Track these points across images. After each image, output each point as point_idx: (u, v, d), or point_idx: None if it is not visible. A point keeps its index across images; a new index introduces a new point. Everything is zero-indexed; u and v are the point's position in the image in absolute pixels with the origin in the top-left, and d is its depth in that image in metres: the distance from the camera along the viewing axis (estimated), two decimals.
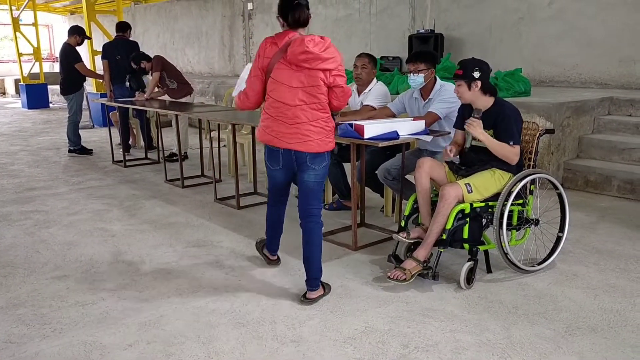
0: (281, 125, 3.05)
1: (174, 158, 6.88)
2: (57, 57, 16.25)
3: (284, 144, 3.07)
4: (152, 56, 7.22)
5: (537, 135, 3.54)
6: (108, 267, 3.70)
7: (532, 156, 3.56)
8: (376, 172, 4.33)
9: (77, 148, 7.78)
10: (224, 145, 6.84)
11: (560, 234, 3.64)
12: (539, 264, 3.56)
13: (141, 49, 7.87)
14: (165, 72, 7.05)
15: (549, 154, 5.52)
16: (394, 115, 4.34)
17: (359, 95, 4.71)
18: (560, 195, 3.62)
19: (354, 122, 3.76)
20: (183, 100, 7.16)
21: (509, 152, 3.33)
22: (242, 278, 3.50)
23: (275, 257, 3.70)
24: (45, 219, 4.79)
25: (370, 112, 4.39)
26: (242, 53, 12.97)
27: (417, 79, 4.07)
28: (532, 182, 3.48)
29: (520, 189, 3.34)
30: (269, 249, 3.67)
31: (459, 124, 3.60)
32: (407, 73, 4.15)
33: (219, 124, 6.13)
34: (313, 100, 3.02)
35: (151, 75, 7.15)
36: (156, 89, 7.18)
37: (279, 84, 3.02)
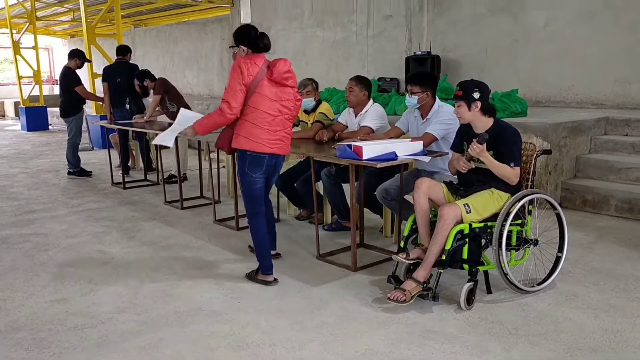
0: (265, 132, 3.53)
1: (174, 179, 6.91)
2: (57, 80, 16.38)
3: (268, 149, 3.56)
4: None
5: (535, 155, 3.56)
6: (107, 290, 3.69)
7: (530, 176, 3.58)
8: (375, 192, 4.35)
9: (77, 170, 7.80)
10: (223, 167, 6.86)
11: (560, 254, 3.65)
12: (539, 284, 3.55)
13: None
14: (166, 95, 7.09)
15: (547, 173, 5.54)
16: (403, 133, 4.42)
17: (355, 117, 4.77)
18: (558, 215, 3.63)
19: (352, 143, 3.78)
20: None
21: (510, 173, 3.36)
22: (242, 300, 3.49)
23: (272, 274, 3.75)
24: (44, 241, 4.78)
25: (379, 135, 4.45)
26: None
27: (411, 101, 4.21)
28: (531, 202, 3.50)
29: (518, 209, 3.35)
30: (264, 271, 3.72)
31: (457, 146, 3.63)
32: (405, 92, 4.25)
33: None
34: (286, 112, 3.62)
35: (152, 97, 7.19)
36: (153, 115, 7.21)
37: (263, 97, 3.51)
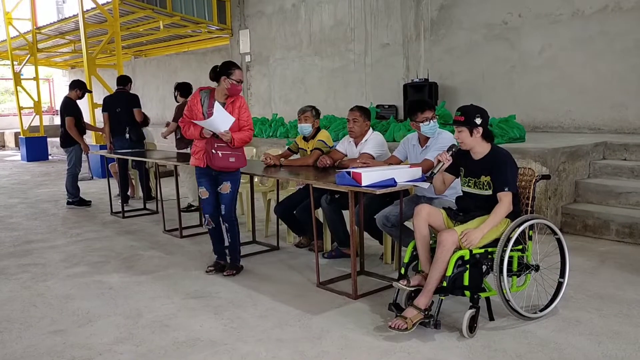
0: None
1: (192, 209, 7.07)
2: (57, 110, 16.48)
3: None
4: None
5: (534, 180, 3.57)
6: (105, 321, 3.65)
7: (530, 202, 3.57)
8: (375, 218, 4.34)
9: (76, 200, 7.79)
10: None
11: (561, 280, 3.62)
12: (541, 310, 3.52)
13: (141, 102, 8.00)
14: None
15: (547, 199, 5.54)
16: (400, 162, 4.41)
17: (356, 146, 4.79)
18: (559, 241, 3.61)
19: (351, 170, 3.79)
20: (185, 150, 7.25)
21: (505, 209, 3.33)
22: (241, 330, 3.45)
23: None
24: (42, 272, 4.75)
25: (379, 162, 4.45)
26: None
27: (434, 126, 4.18)
28: (531, 227, 3.48)
29: (519, 235, 3.34)
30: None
31: (453, 169, 3.61)
32: (418, 122, 4.18)
33: None
34: None
35: (172, 120, 7.18)
36: (165, 134, 7.30)
37: None
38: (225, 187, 4.42)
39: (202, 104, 4.33)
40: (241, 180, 6.29)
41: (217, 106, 4.17)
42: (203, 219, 4.83)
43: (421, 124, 4.17)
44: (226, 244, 4.58)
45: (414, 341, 3.20)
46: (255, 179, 5.88)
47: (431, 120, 4.15)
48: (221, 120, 4.18)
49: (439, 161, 3.50)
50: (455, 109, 3.55)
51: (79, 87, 7.79)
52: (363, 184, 3.64)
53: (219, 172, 4.40)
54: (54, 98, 23.39)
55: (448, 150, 3.50)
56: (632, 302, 3.73)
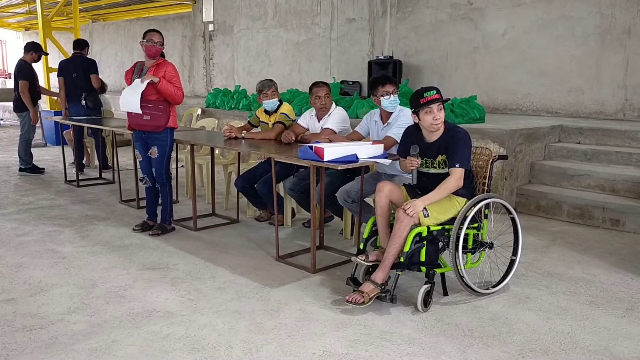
0: None
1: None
2: (9, 74, 15.81)
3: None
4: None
5: (491, 160, 3.64)
6: (58, 290, 3.57)
7: (487, 181, 3.64)
8: (336, 194, 4.35)
9: (29, 167, 7.54)
10: (182, 166, 6.75)
11: (514, 258, 3.73)
12: (494, 286, 3.62)
13: (99, 67, 7.75)
14: None
15: (503, 179, 5.67)
16: (363, 138, 4.41)
17: (318, 121, 4.77)
18: (513, 220, 3.71)
19: (314, 145, 3.78)
20: None
21: (454, 184, 3.37)
22: (198, 302, 3.43)
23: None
24: None
25: (341, 137, 4.42)
26: (203, 74, 12.92)
27: (395, 100, 4.16)
28: (487, 206, 3.56)
29: (475, 213, 3.41)
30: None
31: (407, 150, 3.59)
32: (379, 96, 4.16)
33: (177, 145, 6.05)
34: None
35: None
36: None
37: None
38: (154, 152, 4.73)
39: (134, 74, 4.64)
40: (201, 152, 6.26)
41: (136, 81, 4.49)
42: (139, 179, 5.13)
43: (382, 98, 4.16)
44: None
45: (370, 314, 3.25)
46: (217, 151, 5.81)
47: (392, 95, 4.14)
48: (134, 87, 4.47)
49: (413, 169, 3.50)
50: (426, 88, 3.50)
51: (34, 50, 7.49)
52: (325, 159, 3.64)
53: (147, 136, 4.70)
54: (7, 61, 22.43)
55: (413, 155, 3.48)
56: (580, 280, 3.87)
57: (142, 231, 4.83)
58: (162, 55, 4.66)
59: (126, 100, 4.49)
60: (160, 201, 4.92)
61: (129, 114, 4.63)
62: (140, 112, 4.46)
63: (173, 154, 6.19)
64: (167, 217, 4.89)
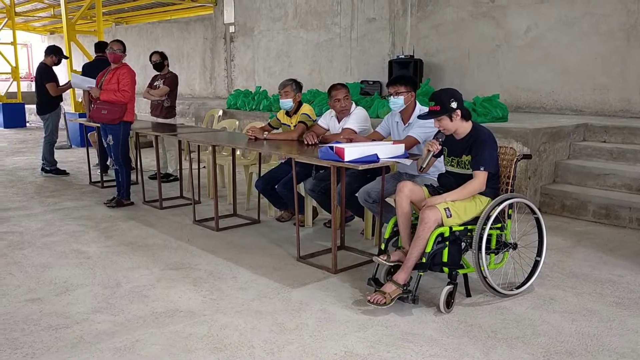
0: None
1: (170, 178, 7.13)
2: (34, 77, 16.08)
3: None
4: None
5: (515, 160, 3.58)
6: (83, 290, 3.62)
7: (510, 181, 3.59)
8: (356, 194, 4.34)
9: (53, 168, 7.67)
10: (204, 167, 6.80)
11: (538, 258, 3.67)
12: (517, 287, 3.58)
13: None
14: (172, 92, 7.26)
15: (527, 178, 5.59)
16: (384, 138, 4.39)
17: (339, 122, 4.77)
18: (537, 220, 3.66)
19: (334, 145, 3.77)
20: (166, 121, 7.20)
21: (477, 187, 3.35)
22: (220, 301, 3.45)
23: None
24: (19, 240, 4.69)
25: (361, 137, 4.42)
26: (224, 75, 13.00)
27: (397, 101, 4.14)
28: (510, 206, 3.52)
29: (498, 213, 3.37)
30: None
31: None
32: (388, 96, 4.20)
33: (199, 145, 6.11)
34: None
35: (163, 84, 7.24)
36: (152, 96, 7.25)
37: None
38: (109, 139, 5.70)
39: (104, 76, 5.76)
40: (223, 152, 6.30)
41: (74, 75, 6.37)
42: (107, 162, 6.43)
43: (390, 97, 4.16)
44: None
45: (391, 315, 3.23)
46: (238, 152, 5.85)
47: (398, 95, 4.11)
48: (81, 80, 6.50)
49: (429, 151, 3.49)
50: (429, 98, 3.50)
51: (55, 53, 7.61)
52: (346, 159, 3.63)
53: (105, 127, 5.70)
54: (32, 64, 22.84)
55: (435, 138, 3.48)
56: (606, 282, 3.80)
57: (116, 207, 5.79)
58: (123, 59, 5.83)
59: (77, 79, 6.70)
60: (120, 179, 5.84)
61: (92, 110, 5.80)
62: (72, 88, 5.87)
63: (194, 155, 6.27)
64: (123, 193, 5.86)
